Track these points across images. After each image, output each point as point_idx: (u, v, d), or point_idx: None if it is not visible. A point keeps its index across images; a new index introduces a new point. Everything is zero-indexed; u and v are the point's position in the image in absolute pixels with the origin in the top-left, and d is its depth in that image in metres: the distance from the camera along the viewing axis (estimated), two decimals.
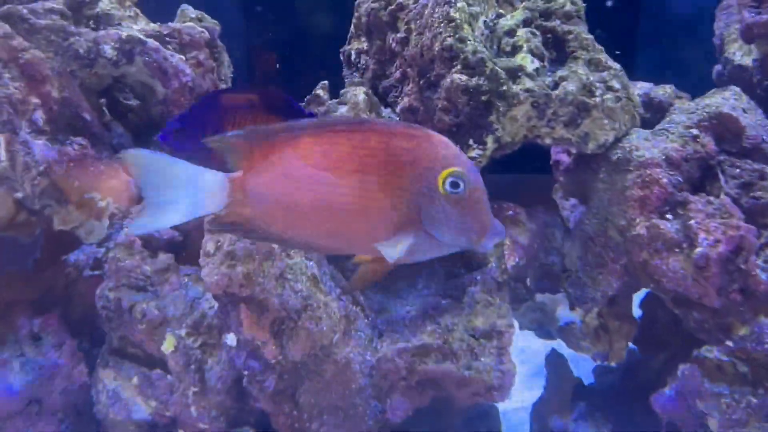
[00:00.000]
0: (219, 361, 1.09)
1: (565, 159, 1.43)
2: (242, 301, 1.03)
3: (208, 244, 1.08)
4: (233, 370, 1.08)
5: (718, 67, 1.64)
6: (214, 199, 0.69)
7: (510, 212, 1.30)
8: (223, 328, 1.07)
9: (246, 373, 1.05)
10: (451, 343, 1.15)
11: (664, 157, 1.19)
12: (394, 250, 0.67)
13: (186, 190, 0.68)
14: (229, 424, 1.11)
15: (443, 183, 0.67)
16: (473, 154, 1.19)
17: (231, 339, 1.04)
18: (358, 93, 1.23)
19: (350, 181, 0.67)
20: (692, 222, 1.12)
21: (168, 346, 1.07)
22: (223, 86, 1.54)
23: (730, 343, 1.19)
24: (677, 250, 1.13)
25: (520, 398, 1.75)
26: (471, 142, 1.18)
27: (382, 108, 1.32)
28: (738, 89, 1.32)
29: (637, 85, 1.47)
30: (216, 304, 1.10)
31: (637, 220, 1.17)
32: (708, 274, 1.09)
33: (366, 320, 1.22)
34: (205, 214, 0.70)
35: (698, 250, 1.10)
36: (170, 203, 0.68)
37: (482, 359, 1.16)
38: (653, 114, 1.41)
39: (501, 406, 1.97)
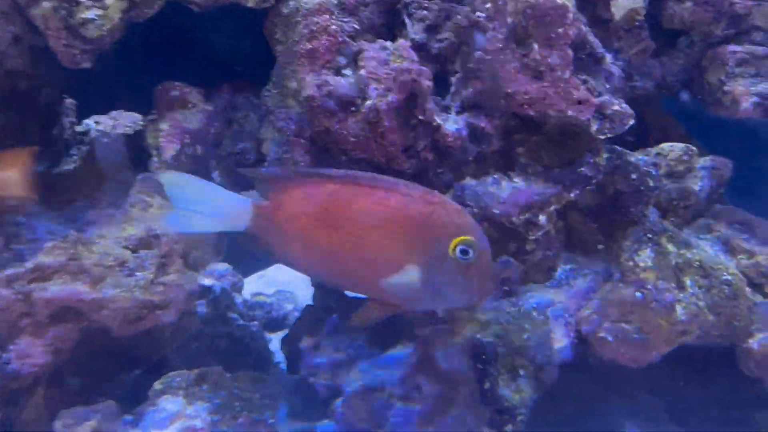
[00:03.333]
0: None
1: None
2: None
3: None
4: None
5: None
6: (237, 220, 0.79)
7: (174, 92, 1.04)
8: None
9: None
10: (86, 258, 0.89)
11: (336, 2, 0.99)
12: (402, 279, 0.75)
13: (213, 209, 0.78)
14: None
15: (454, 249, 0.73)
16: (88, 14, 0.91)
17: None
18: None
19: (366, 234, 0.74)
20: (363, 72, 0.93)
21: None
22: None
23: None
24: (353, 108, 0.94)
25: None
26: None
27: None
28: None
29: None
30: None
31: (308, 78, 0.96)
32: (382, 130, 0.92)
33: None
34: (229, 230, 0.82)
35: (367, 102, 0.91)
36: (198, 215, 0.78)
37: (138, 273, 0.92)
38: None
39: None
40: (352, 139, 0.96)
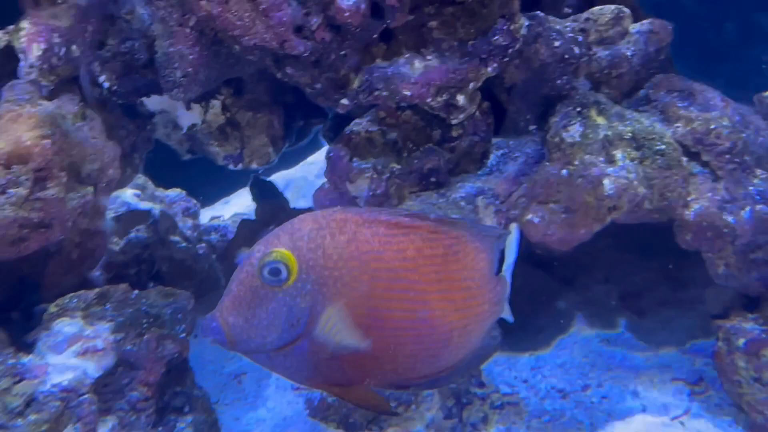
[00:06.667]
0: None
1: None
2: None
3: None
4: None
5: None
6: None
7: None
8: None
9: None
10: None
11: None
12: None
13: None
14: None
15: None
16: None
17: None
18: None
19: None
20: None
21: None
22: None
23: (345, 101, 0.95)
24: None
25: None
26: None
27: None
28: None
29: None
30: None
31: None
32: (264, 7, 0.81)
33: None
34: None
35: None
36: None
37: (11, 190, 0.84)
38: None
39: None
40: (239, 23, 0.85)
